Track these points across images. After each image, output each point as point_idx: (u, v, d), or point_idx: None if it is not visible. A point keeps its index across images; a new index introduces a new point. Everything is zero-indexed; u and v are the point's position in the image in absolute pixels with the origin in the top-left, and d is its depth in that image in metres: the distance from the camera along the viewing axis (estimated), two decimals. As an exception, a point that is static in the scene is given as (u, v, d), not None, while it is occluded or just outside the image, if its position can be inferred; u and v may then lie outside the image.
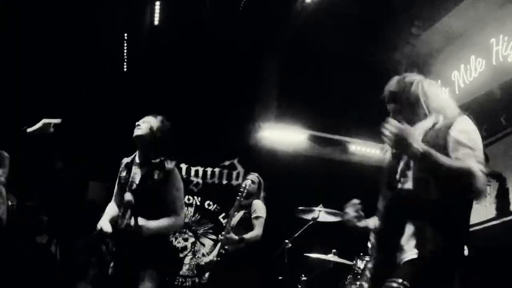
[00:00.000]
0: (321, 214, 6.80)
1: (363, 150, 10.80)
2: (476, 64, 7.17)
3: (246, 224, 6.94)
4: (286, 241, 6.94)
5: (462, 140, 3.13)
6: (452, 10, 7.18)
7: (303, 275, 6.87)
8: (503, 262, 6.04)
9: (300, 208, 7.00)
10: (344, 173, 10.16)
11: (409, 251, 3.08)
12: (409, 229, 3.12)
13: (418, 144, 3.02)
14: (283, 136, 10.79)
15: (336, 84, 9.34)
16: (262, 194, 7.20)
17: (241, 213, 6.96)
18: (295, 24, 9.40)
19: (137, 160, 5.15)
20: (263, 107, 11.12)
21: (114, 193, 5.33)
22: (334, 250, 6.65)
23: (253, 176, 7.31)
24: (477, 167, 3.01)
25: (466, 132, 3.19)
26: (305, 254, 6.78)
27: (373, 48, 8.69)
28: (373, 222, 3.59)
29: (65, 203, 9.02)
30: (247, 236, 6.74)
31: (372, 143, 10.59)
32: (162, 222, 4.94)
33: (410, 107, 3.40)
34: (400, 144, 3.04)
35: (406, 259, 3.08)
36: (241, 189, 6.79)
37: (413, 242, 3.08)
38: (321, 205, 6.87)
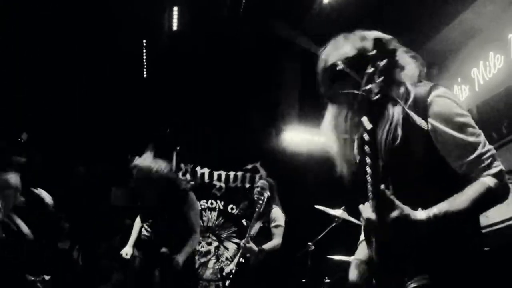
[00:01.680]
0: (344, 216, 6.80)
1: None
2: (495, 61, 7.10)
3: (266, 233, 6.99)
4: (309, 243, 6.94)
5: (456, 135, 2.40)
6: (469, 7, 7.12)
7: (326, 278, 6.86)
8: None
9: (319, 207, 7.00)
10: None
11: (417, 276, 2.40)
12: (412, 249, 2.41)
13: (420, 215, 2.28)
14: (305, 138, 10.77)
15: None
16: (276, 197, 7.24)
17: (260, 222, 6.99)
18: (316, 27, 9.39)
19: None
20: (285, 110, 11.12)
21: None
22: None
23: (264, 182, 7.34)
24: (491, 173, 2.35)
25: (452, 117, 2.43)
26: (328, 256, 6.77)
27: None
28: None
29: (86, 209, 9.09)
30: (267, 246, 6.81)
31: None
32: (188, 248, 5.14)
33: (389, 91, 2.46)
34: (396, 236, 2.29)
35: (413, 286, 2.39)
36: (260, 202, 6.83)
37: (419, 264, 2.41)
38: (343, 207, 6.86)
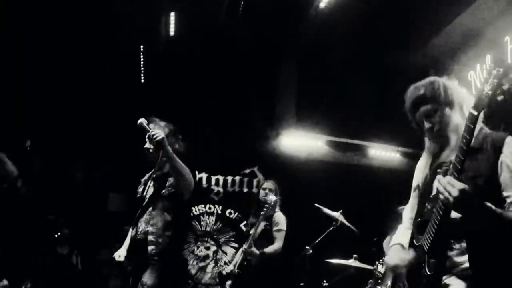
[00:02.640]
0: (341, 219, 6.79)
1: (383, 154, 10.78)
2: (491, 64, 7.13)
3: (267, 236, 6.99)
4: (307, 247, 6.94)
5: None
6: (466, 10, 7.14)
7: (324, 281, 6.87)
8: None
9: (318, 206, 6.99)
10: (364, 178, 10.14)
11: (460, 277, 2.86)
12: (460, 245, 2.87)
13: (482, 204, 2.68)
14: (302, 142, 10.79)
15: (354, 89, 9.33)
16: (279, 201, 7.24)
17: (262, 225, 6.98)
18: (312, 30, 9.40)
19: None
20: (282, 114, 11.12)
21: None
22: (355, 255, 6.63)
23: (270, 184, 7.33)
24: None
25: None
26: (326, 260, 6.76)
27: (389, 51, 8.67)
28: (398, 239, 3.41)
29: (85, 215, 9.08)
30: (268, 250, 6.80)
31: (391, 146, 10.58)
32: None
33: (446, 108, 3.10)
34: (464, 206, 2.65)
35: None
36: (268, 204, 6.81)
37: (465, 258, 2.84)
38: (341, 211, 6.86)
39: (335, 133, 10.74)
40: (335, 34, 8.97)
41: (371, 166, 10.76)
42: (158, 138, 4.86)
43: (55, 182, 9.02)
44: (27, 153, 7.16)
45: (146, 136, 5.11)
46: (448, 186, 2.62)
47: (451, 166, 2.74)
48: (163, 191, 5.09)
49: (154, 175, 5.18)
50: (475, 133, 2.78)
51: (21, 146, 7.12)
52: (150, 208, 5.06)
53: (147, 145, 5.17)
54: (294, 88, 11.03)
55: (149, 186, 5.16)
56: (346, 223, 6.80)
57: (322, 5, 8.45)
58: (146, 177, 5.31)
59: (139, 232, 5.00)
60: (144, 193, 5.15)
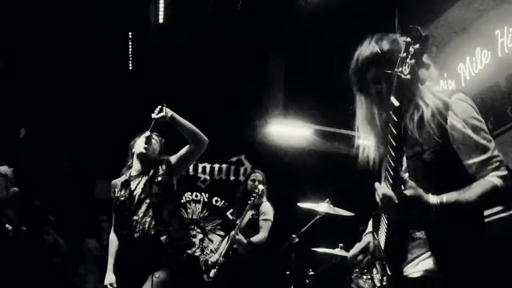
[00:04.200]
0: (328, 208, 6.79)
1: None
2: (481, 56, 7.15)
3: (254, 225, 7.02)
4: (293, 236, 6.96)
5: (472, 135, 2.54)
6: (456, 2, 7.15)
7: (310, 270, 6.88)
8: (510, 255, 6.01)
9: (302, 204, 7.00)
10: (350, 167, 10.15)
11: (424, 266, 2.58)
12: (421, 238, 2.61)
13: (432, 198, 2.36)
14: (289, 131, 10.80)
15: (341, 79, 9.32)
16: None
17: (249, 214, 6.99)
18: (300, 20, 9.39)
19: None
20: (269, 103, 11.12)
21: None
22: (341, 244, 6.64)
23: (258, 175, 7.35)
24: (498, 175, 2.49)
25: (470, 120, 2.58)
26: (312, 249, 6.78)
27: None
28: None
29: (72, 202, 9.06)
30: (255, 239, 6.83)
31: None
32: None
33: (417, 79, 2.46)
34: (408, 213, 2.34)
35: (418, 275, 2.59)
36: (256, 192, 6.82)
37: (427, 255, 2.57)
38: (328, 200, 6.87)
39: (323, 122, 10.75)
40: (323, 24, 8.97)
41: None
42: (169, 114, 4.99)
43: (42, 169, 9.00)
44: (21, 142, 7.12)
45: (144, 138, 5.16)
46: (385, 200, 2.35)
47: (386, 172, 2.40)
48: (159, 179, 5.08)
49: (139, 172, 5.23)
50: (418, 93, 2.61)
51: (15, 134, 7.09)
52: (146, 204, 5.03)
53: (142, 149, 5.17)
54: (282, 77, 11.03)
55: (137, 183, 5.17)
56: (335, 211, 6.79)
57: (311, -4, 8.45)
58: (124, 178, 5.28)
59: (146, 230, 4.94)
60: (134, 193, 5.11)
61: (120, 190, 5.20)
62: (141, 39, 10.05)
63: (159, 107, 4.99)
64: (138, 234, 4.95)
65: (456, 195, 2.41)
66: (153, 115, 4.97)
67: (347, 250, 6.55)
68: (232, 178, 11.08)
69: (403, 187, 2.32)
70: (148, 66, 10.08)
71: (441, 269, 2.53)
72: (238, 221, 6.88)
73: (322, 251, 6.71)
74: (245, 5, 9.14)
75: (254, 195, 6.78)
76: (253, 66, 10.57)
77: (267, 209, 7.12)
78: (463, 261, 2.51)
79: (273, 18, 9.65)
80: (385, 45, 2.73)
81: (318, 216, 6.87)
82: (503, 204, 2.89)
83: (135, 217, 4.99)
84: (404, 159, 2.70)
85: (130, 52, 10.23)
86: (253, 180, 7.32)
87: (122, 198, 5.15)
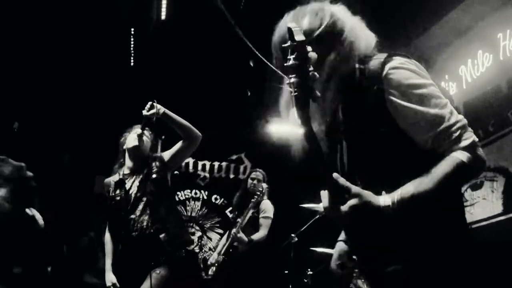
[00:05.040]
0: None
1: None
2: (483, 59, 7.15)
3: (254, 223, 7.03)
4: (292, 235, 6.97)
5: (418, 108, 2.20)
6: (459, 4, 7.15)
7: (309, 269, 6.89)
8: (509, 258, 6.02)
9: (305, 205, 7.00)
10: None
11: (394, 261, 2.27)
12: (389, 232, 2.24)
13: (383, 200, 2.13)
14: (290, 129, 10.77)
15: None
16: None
17: (250, 212, 7.01)
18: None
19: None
20: (270, 101, 11.12)
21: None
22: (339, 245, 6.64)
23: (259, 174, 7.37)
24: (462, 146, 2.17)
25: (413, 88, 2.24)
26: (311, 248, 6.78)
27: (379, 45, 8.65)
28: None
29: (72, 197, 9.06)
30: (255, 237, 6.85)
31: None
32: None
33: (332, 54, 2.31)
34: (359, 222, 2.13)
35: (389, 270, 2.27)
36: (259, 191, 6.84)
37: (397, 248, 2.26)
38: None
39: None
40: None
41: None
42: (161, 111, 4.95)
43: (42, 165, 9.00)
44: (15, 135, 7.12)
45: (137, 132, 5.15)
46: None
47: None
48: (154, 177, 5.07)
49: (131, 170, 5.22)
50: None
51: (8, 127, 7.09)
52: (143, 202, 5.03)
53: (135, 142, 5.16)
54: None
55: (132, 181, 5.15)
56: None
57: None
58: (118, 177, 5.25)
59: (144, 228, 4.93)
60: (130, 192, 5.10)
61: (115, 190, 5.17)
62: (143, 35, 10.04)
63: (150, 103, 4.97)
64: (136, 233, 4.93)
65: (412, 187, 2.11)
66: (144, 112, 4.96)
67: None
68: (231, 176, 11.10)
69: (346, 196, 2.10)
70: (149, 63, 10.07)
71: (412, 262, 2.23)
72: (239, 219, 6.90)
73: (321, 251, 6.71)
74: (248, 2, 9.13)
75: (258, 193, 6.81)
76: (255, 63, 10.56)
77: (267, 207, 7.14)
78: (434, 252, 2.20)
79: (275, 15, 9.64)
80: (308, 22, 2.42)
81: (318, 216, 6.87)
82: (477, 176, 2.30)
83: (133, 216, 4.97)
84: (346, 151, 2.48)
85: (132, 49, 10.22)
86: (253, 179, 7.33)
87: (118, 198, 5.13)
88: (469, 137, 2.18)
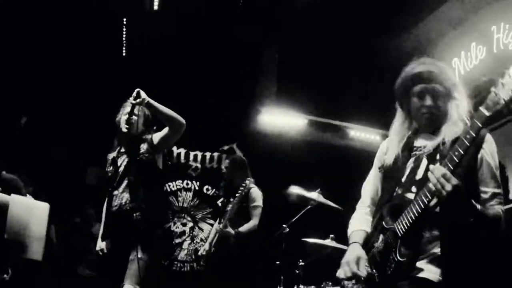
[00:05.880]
0: (319, 199, 6.77)
1: (363, 135, 10.82)
2: (476, 52, 7.16)
3: (244, 214, 6.99)
4: (284, 226, 6.94)
5: (494, 171, 2.95)
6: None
7: (300, 260, 6.88)
8: (503, 250, 6.02)
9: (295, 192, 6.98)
10: (343, 159, 10.17)
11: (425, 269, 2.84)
12: (430, 233, 2.87)
13: (469, 201, 2.77)
14: (282, 121, 10.78)
15: (336, 70, 9.31)
16: (249, 172, 7.24)
17: (235, 207, 6.98)
18: (294, 13, 9.37)
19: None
20: (263, 92, 11.09)
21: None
22: (331, 235, 6.63)
23: (228, 162, 7.39)
24: (502, 209, 2.95)
25: (495, 159, 2.99)
26: (302, 239, 6.77)
27: (373, 35, 8.66)
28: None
29: (64, 188, 9.04)
30: (243, 229, 6.83)
31: (372, 129, 10.62)
32: None
33: (445, 97, 3.03)
34: (454, 202, 2.69)
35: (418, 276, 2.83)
36: (243, 186, 6.81)
37: (433, 245, 2.86)
38: (318, 190, 6.86)
39: (316, 112, 10.75)
40: (319, 15, 8.95)
41: (351, 147, 10.79)
42: (145, 100, 5.05)
43: (34, 157, 8.98)
44: (22, 131, 7.11)
45: (125, 114, 5.21)
46: (442, 179, 2.59)
47: (447, 158, 2.66)
48: (139, 157, 5.19)
49: (124, 149, 5.42)
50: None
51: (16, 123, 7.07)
52: (126, 180, 5.22)
53: (124, 127, 5.23)
54: (275, 65, 11.00)
55: (122, 160, 5.35)
56: (326, 201, 6.77)
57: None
58: (113, 155, 5.48)
59: (122, 205, 5.11)
60: (119, 170, 5.34)
61: (109, 166, 5.44)
62: (135, 26, 10.00)
63: (136, 91, 5.05)
64: (115, 208, 5.21)
65: (481, 208, 2.79)
66: (131, 100, 5.02)
67: (338, 240, 6.59)
68: (223, 166, 11.07)
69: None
70: (142, 54, 10.03)
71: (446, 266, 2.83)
72: (225, 214, 6.88)
73: (313, 242, 6.70)
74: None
75: (241, 190, 6.77)
76: (247, 55, 10.54)
77: (256, 195, 7.09)
78: (467, 264, 2.88)
79: (267, 10, 9.62)
80: (434, 67, 3.05)
81: (309, 206, 6.85)
82: (498, 236, 2.94)
83: (115, 192, 5.25)
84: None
85: (123, 39, 10.17)
86: (227, 166, 7.37)
87: (109, 174, 5.41)
88: (503, 208, 2.96)
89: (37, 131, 9.21)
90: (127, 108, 5.29)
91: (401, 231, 2.84)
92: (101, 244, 5.42)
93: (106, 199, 5.55)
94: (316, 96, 10.39)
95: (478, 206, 2.76)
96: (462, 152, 2.60)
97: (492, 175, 2.93)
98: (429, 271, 2.81)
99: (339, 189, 7.52)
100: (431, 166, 2.71)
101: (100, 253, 5.44)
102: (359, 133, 10.84)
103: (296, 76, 10.39)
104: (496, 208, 2.89)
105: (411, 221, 2.79)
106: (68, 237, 8.86)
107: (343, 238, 6.69)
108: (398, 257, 2.82)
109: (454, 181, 2.57)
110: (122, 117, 5.36)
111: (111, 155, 5.50)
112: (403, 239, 2.83)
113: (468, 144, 2.58)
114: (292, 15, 9.52)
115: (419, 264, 2.83)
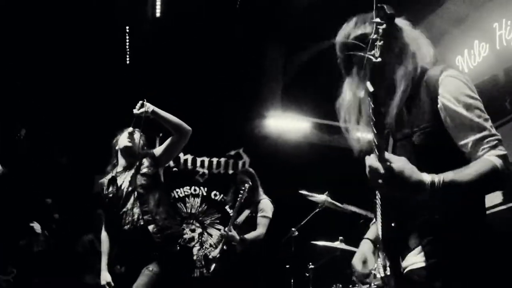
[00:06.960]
0: (327, 201, 6.78)
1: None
2: (480, 49, 7.15)
3: (251, 222, 7.04)
4: (293, 229, 6.96)
5: (465, 113, 2.40)
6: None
7: (310, 263, 6.88)
8: (510, 248, 6.01)
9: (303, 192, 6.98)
10: (350, 161, 10.17)
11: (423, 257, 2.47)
12: (420, 226, 2.48)
13: (425, 176, 2.21)
14: (288, 124, 10.80)
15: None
16: (259, 186, 7.27)
17: (247, 212, 7.04)
18: (298, 14, 9.37)
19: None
20: (268, 96, 11.11)
21: None
22: (340, 237, 6.64)
23: (243, 174, 7.39)
24: (497, 154, 2.34)
25: (463, 96, 2.44)
26: (311, 242, 6.77)
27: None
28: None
29: (71, 197, 9.05)
30: (249, 236, 6.85)
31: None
32: None
33: (394, 59, 2.53)
34: (398, 187, 2.16)
35: (413, 267, 2.53)
36: (241, 192, 6.85)
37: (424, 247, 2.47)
38: (327, 193, 6.86)
39: (322, 115, 10.75)
40: (323, 16, 8.95)
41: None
42: (150, 109, 5.06)
43: (41, 167, 8.98)
44: (21, 142, 7.13)
45: (128, 132, 5.25)
46: (371, 172, 2.20)
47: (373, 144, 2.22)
48: (144, 171, 5.16)
49: (125, 165, 5.37)
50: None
51: (15, 134, 7.09)
52: (134, 195, 5.10)
53: (126, 141, 5.24)
54: (281, 70, 11.01)
55: (124, 177, 5.28)
56: (335, 203, 6.77)
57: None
58: (110, 176, 5.41)
59: (135, 221, 5.02)
60: (121, 187, 5.24)
61: (108, 188, 5.31)
62: (138, 33, 10.02)
63: (140, 102, 5.06)
64: (128, 226, 5.06)
65: (452, 174, 2.24)
66: (135, 111, 5.03)
67: (347, 243, 6.59)
68: (230, 171, 11.09)
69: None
70: (145, 61, 10.05)
71: (441, 260, 2.42)
72: (231, 214, 6.94)
73: (322, 244, 6.71)
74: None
75: (241, 192, 6.81)
76: (251, 59, 10.54)
77: (265, 206, 7.14)
78: (465, 251, 2.41)
79: (271, 12, 9.62)
80: (368, 27, 2.67)
81: (318, 209, 6.86)
82: (503, 187, 2.38)
83: (124, 210, 5.11)
84: (392, 142, 2.72)
85: (127, 47, 10.19)
86: (239, 177, 7.38)
87: (111, 195, 5.27)
88: (503, 150, 2.38)
89: (39, 140, 9.22)
90: (125, 132, 5.31)
91: (379, 233, 2.63)
92: (106, 277, 5.30)
93: (104, 225, 5.51)
94: (322, 99, 10.37)
95: (437, 177, 2.21)
96: (377, 134, 2.14)
97: (465, 121, 2.40)
98: (418, 262, 2.50)
99: (347, 190, 7.52)
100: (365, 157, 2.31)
101: (107, 287, 5.31)
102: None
103: (301, 79, 10.39)
104: (486, 157, 2.34)
105: (380, 231, 2.59)
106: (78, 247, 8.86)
107: (352, 240, 6.72)
108: (386, 272, 2.65)
109: (380, 166, 2.15)
110: (123, 135, 5.37)
111: (106, 178, 5.41)
112: (384, 240, 2.63)
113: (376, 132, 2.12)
114: (298, 18, 9.52)
115: (409, 259, 2.55)
